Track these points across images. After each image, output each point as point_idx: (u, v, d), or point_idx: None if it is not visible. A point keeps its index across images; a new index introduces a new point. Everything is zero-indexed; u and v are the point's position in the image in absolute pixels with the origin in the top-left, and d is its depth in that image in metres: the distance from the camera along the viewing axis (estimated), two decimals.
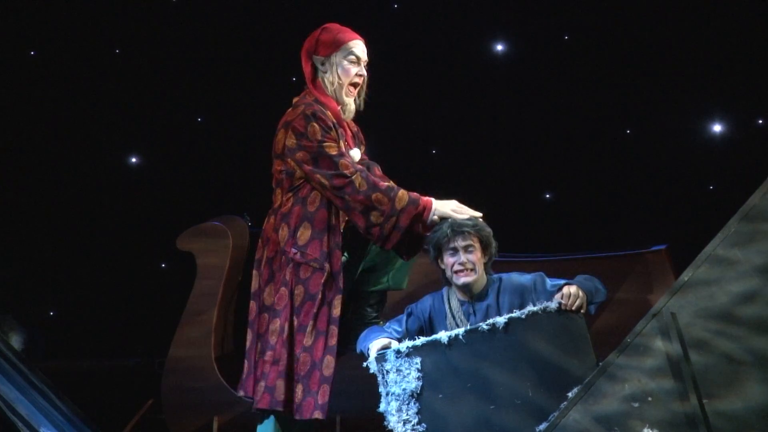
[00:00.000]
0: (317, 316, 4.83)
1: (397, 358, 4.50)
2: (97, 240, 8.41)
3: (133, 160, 8.61)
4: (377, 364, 4.54)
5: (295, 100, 5.08)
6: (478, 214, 4.84)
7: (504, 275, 4.81)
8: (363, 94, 5.16)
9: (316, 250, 4.85)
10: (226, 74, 8.49)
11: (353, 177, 4.84)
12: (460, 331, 4.47)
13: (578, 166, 8.25)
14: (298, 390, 4.80)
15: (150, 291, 8.31)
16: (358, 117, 5.25)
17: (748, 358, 4.03)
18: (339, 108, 5.05)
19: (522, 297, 4.70)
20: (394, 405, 4.48)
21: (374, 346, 4.61)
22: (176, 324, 6.29)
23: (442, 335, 4.49)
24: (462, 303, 4.77)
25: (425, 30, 8.32)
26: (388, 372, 4.51)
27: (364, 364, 4.60)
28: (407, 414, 4.46)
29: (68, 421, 4.87)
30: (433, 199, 4.87)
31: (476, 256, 4.71)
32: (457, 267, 4.70)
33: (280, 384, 4.80)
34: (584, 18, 8.22)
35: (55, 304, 8.49)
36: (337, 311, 4.85)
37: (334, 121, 4.97)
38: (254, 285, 5.05)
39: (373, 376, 4.58)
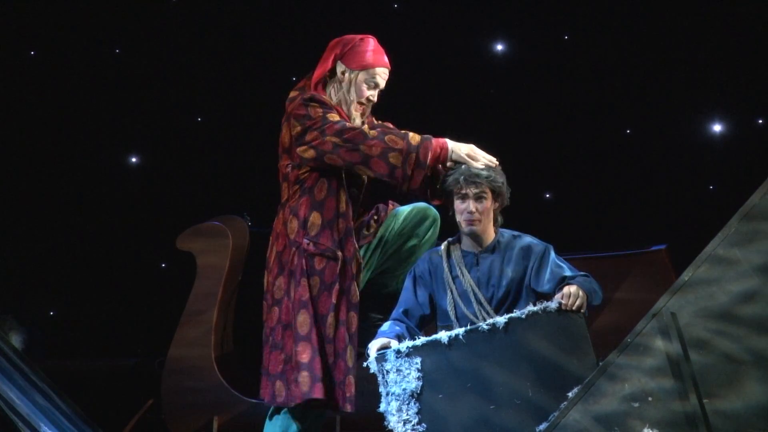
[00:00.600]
0: (337, 306, 4.81)
1: (397, 358, 4.50)
2: (97, 240, 8.41)
3: (133, 159, 8.61)
4: (377, 364, 4.54)
5: (292, 94, 5.03)
6: (494, 161, 4.84)
7: (520, 234, 4.83)
8: (366, 114, 5.10)
9: (328, 239, 4.83)
10: (226, 74, 8.49)
11: (362, 127, 4.85)
12: (460, 331, 4.47)
13: (578, 166, 8.25)
14: (325, 382, 4.77)
15: (150, 291, 8.31)
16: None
17: (748, 357, 4.03)
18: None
19: (527, 262, 4.72)
20: (394, 405, 4.48)
21: (374, 346, 4.61)
22: (176, 324, 6.30)
23: (443, 335, 4.49)
24: (466, 254, 4.78)
25: (425, 30, 8.33)
26: (388, 372, 4.51)
27: (364, 364, 4.60)
28: (407, 414, 4.46)
29: (69, 420, 4.87)
30: (447, 139, 4.87)
31: (486, 205, 4.74)
32: (466, 215, 4.72)
33: (326, 374, 4.76)
34: (584, 18, 8.22)
35: (55, 303, 8.49)
36: (355, 297, 4.85)
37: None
38: (265, 284, 5.01)
39: (373, 376, 4.58)
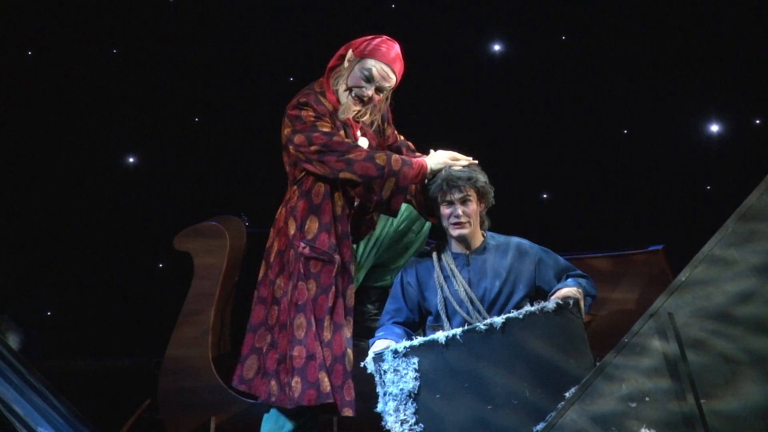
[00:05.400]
0: (333, 309, 4.80)
1: (394, 358, 4.50)
2: (94, 240, 8.41)
3: (131, 160, 8.60)
4: (375, 364, 4.54)
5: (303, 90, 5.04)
6: (473, 161, 4.85)
7: (508, 236, 4.83)
8: (375, 113, 5.06)
9: (324, 243, 4.83)
10: (224, 74, 8.49)
11: (348, 149, 4.80)
12: (458, 331, 4.47)
13: (575, 166, 8.25)
14: (320, 387, 4.77)
15: (147, 291, 8.31)
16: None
17: (745, 357, 4.03)
18: (337, 102, 4.98)
19: (522, 262, 4.71)
20: (391, 405, 4.48)
21: (375, 348, 4.61)
22: (173, 324, 6.29)
23: (440, 335, 4.49)
24: (456, 256, 4.78)
25: (422, 30, 8.32)
26: (385, 372, 4.51)
27: (362, 363, 4.60)
28: (404, 414, 4.46)
29: (66, 420, 4.87)
30: (425, 160, 4.89)
31: (472, 208, 4.74)
32: (452, 219, 4.71)
33: (324, 377, 4.75)
34: (582, 18, 8.22)
35: (52, 303, 8.48)
36: (351, 301, 4.85)
37: (331, 110, 4.93)
38: (261, 274, 5.02)
39: (370, 376, 4.58)
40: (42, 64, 8.43)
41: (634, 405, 4.12)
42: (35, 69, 8.43)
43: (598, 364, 4.24)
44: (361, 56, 4.93)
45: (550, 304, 4.46)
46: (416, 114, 8.23)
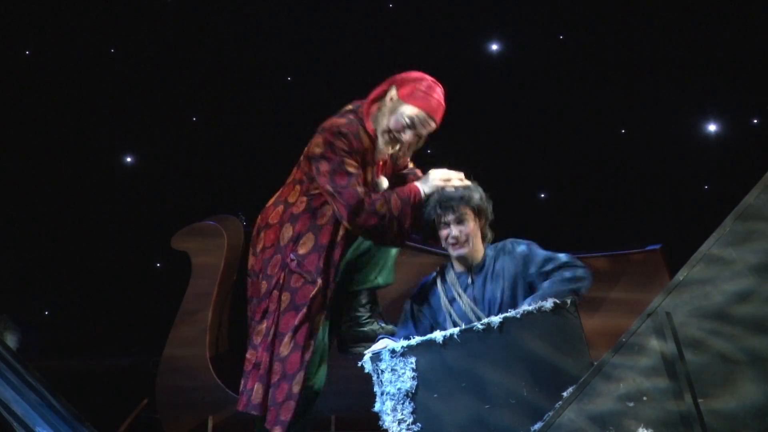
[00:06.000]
0: (298, 328, 4.78)
1: (391, 357, 4.50)
2: (91, 239, 8.41)
3: (128, 159, 8.60)
4: (372, 363, 4.54)
5: (348, 107, 4.94)
6: (463, 178, 4.81)
7: (503, 243, 4.78)
8: (402, 153, 4.99)
9: (312, 263, 4.79)
10: (221, 73, 8.49)
11: (355, 204, 4.72)
12: (455, 330, 4.47)
13: (573, 166, 8.25)
14: (254, 399, 4.81)
15: (145, 290, 8.31)
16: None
17: (743, 357, 4.03)
18: (374, 136, 4.89)
19: (513, 263, 4.68)
20: (389, 404, 4.48)
21: (371, 348, 4.61)
22: (171, 323, 6.30)
23: (437, 335, 4.48)
24: (460, 275, 4.75)
25: (420, 29, 8.33)
26: (383, 371, 4.51)
27: (359, 363, 4.59)
28: (402, 413, 4.46)
29: (63, 420, 4.86)
30: (418, 185, 4.83)
31: (469, 227, 4.68)
32: (450, 240, 4.68)
33: (258, 388, 4.79)
34: (579, 18, 8.23)
35: (49, 303, 8.48)
36: (317, 328, 4.81)
37: (365, 147, 4.84)
38: (249, 263, 5.01)
39: (368, 376, 4.57)
40: (39, 64, 8.43)
41: (631, 404, 4.12)
42: (33, 68, 8.43)
43: (595, 363, 4.24)
44: (408, 102, 4.82)
45: (548, 303, 4.45)
46: None
